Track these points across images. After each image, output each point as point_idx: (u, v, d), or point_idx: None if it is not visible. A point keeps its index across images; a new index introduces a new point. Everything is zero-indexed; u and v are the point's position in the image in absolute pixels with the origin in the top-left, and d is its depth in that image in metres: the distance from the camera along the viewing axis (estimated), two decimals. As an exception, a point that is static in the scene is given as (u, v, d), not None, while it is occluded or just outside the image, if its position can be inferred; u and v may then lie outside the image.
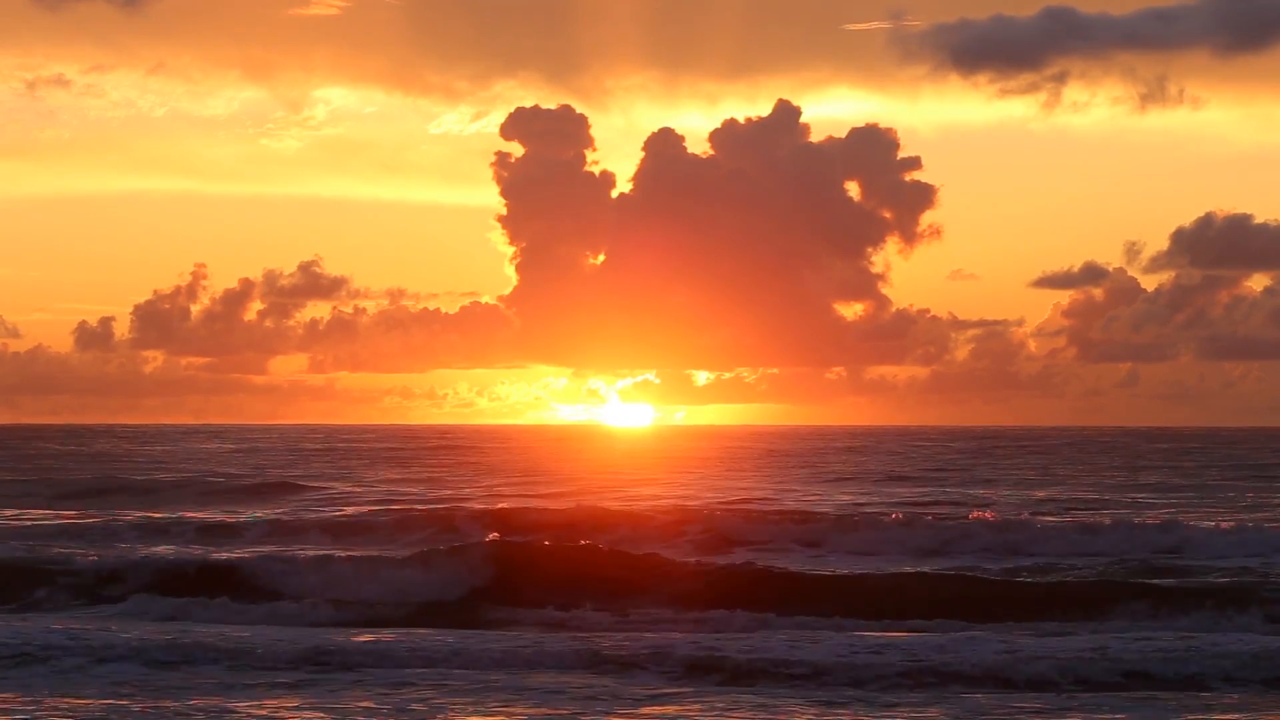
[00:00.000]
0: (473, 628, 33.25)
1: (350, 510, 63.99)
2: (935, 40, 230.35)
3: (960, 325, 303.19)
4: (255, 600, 37.45)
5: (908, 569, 43.63)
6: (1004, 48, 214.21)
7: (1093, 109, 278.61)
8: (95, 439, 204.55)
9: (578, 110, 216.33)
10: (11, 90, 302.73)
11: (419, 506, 65.09)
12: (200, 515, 60.25)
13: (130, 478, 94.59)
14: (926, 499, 75.36)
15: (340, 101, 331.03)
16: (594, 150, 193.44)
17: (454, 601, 38.08)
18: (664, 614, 35.78)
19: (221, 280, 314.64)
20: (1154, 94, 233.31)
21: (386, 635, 30.91)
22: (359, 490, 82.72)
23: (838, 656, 28.08)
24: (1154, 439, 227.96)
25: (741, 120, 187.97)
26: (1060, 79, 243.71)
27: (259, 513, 61.77)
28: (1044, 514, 63.05)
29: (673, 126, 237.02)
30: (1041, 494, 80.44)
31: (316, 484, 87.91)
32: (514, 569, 40.08)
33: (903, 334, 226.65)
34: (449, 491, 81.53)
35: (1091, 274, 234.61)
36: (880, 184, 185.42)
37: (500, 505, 64.87)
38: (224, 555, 44.86)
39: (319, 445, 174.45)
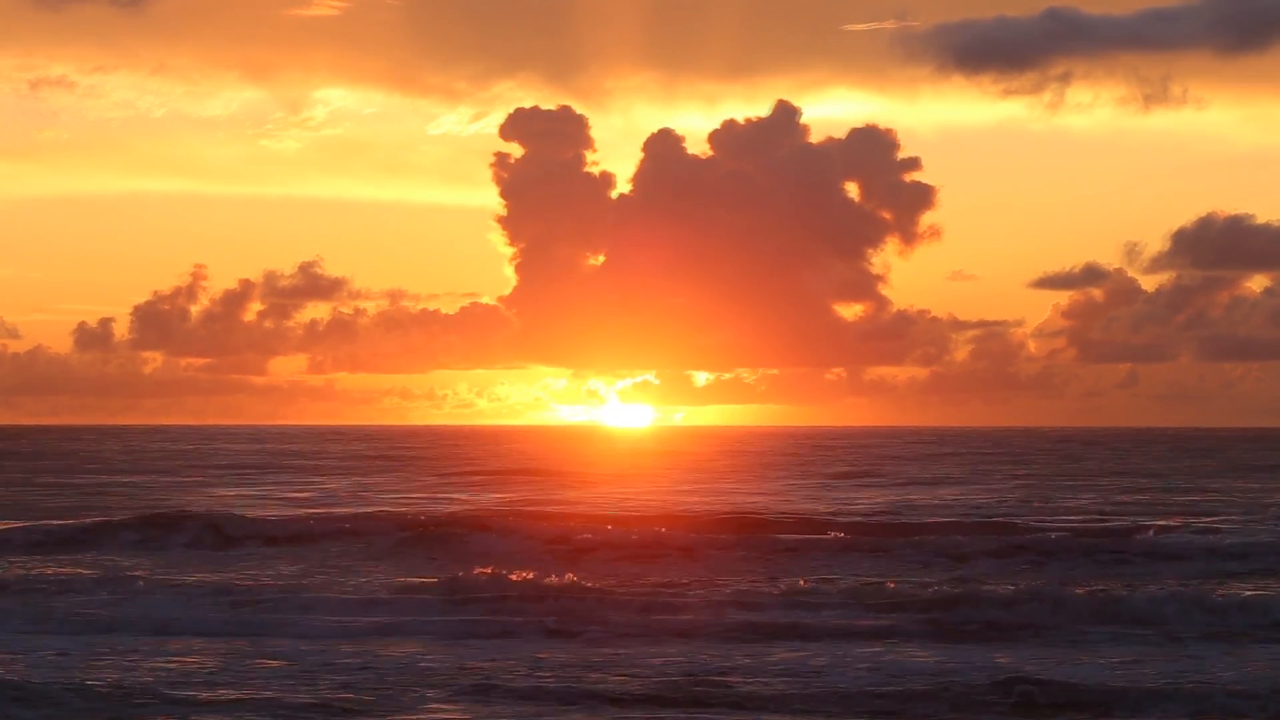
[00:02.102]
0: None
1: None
2: (935, 41, 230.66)
3: (960, 326, 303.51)
4: None
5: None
6: (1004, 48, 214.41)
7: (1092, 110, 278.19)
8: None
9: (577, 111, 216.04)
10: (12, 91, 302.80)
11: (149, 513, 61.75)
12: None
13: None
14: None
15: (340, 102, 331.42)
16: (594, 151, 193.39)
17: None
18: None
19: (221, 281, 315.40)
20: (1155, 95, 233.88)
21: None
22: (164, 495, 79.61)
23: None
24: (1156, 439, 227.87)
25: (741, 121, 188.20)
26: (1062, 79, 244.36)
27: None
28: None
29: (673, 127, 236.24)
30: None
31: (137, 487, 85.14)
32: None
33: (902, 335, 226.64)
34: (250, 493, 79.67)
35: (1091, 275, 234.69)
36: (880, 184, 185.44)
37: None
38: None
39: (248, 447, 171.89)
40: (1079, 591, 37.24)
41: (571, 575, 39.52)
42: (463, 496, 79.44)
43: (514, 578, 38.62)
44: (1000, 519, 60.64)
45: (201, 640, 31.46)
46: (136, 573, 42.80)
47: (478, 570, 39.97)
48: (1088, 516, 64.02)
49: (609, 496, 78.39)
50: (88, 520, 57.57)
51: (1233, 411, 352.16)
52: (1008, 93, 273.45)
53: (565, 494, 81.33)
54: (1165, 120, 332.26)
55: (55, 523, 57.07)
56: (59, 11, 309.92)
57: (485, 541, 50.79)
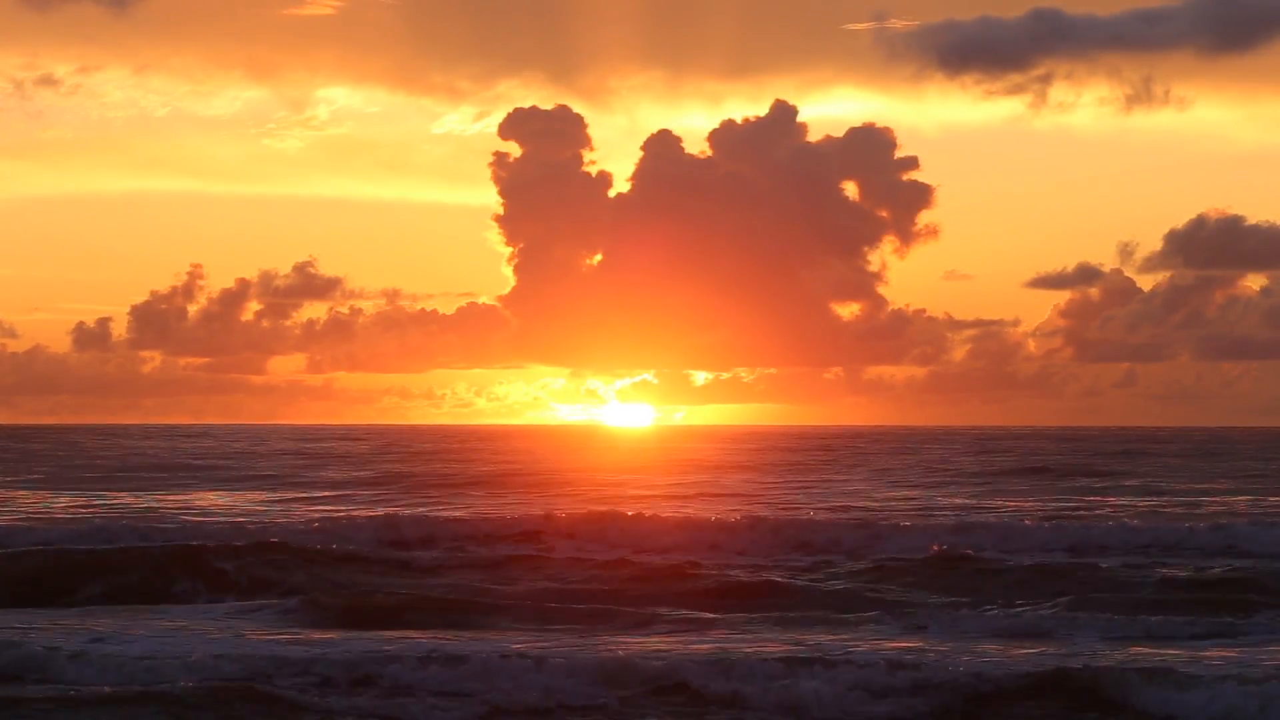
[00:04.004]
0: None
1: None
2: (936, 40, 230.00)
3: (956, 325, 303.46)
4: None
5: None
6: (1002, 48, 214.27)
7: (1088, 110, 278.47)
8: None
9: (582, 110, 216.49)
10: (13, 90, 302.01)
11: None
12: None
13: None
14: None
15: (343, 101, 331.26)
16: (591, 150, 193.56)
17: None
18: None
19: (219, 280, 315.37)
20: (1157, 95, 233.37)
21: None
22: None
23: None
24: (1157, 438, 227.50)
25: (739, 121, 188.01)
26: (1064, 79, 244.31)
27: None
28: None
29: (677, 126, 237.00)
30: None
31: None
32: None
33: (899, 334, 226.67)
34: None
35: (1086, 274, 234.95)
36: (877, 184, 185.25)
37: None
38: None
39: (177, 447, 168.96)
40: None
41: None
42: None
43: None
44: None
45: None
46: None
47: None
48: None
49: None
50: None
51: (1232, 411, 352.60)
52: (1006, 92, 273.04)
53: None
54: (1161, 120, 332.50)
55: None
56: (60, 11, 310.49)
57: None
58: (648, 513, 55.78)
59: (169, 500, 73.97)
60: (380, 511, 60.39)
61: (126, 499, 74.87)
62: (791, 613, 34.54)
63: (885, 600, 37.14)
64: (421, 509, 64.63)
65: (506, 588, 38.87)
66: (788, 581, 40.08)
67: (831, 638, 30.49)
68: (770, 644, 29.56)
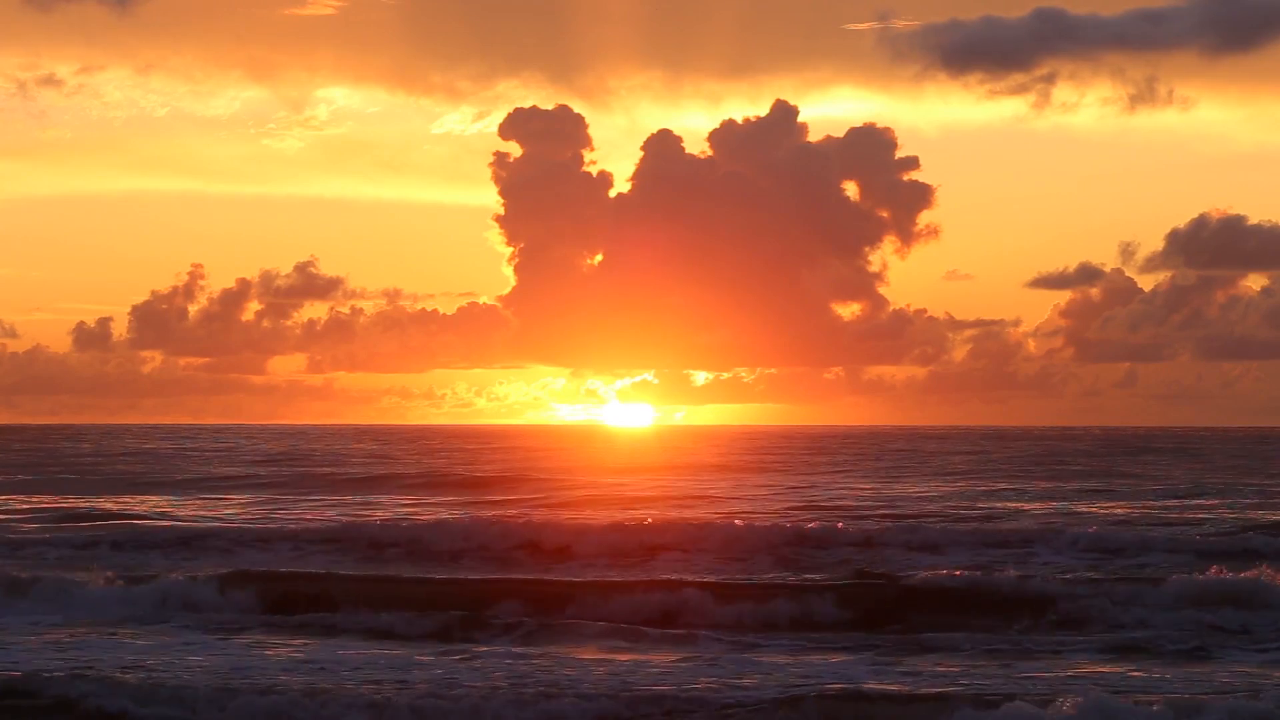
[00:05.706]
0: None
1: None
2: (940, 40, 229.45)
3: (957, 325, 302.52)
4: None
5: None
6: (1003, 48, 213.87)
7: (1088, 110, 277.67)
8: None
9: (582, 110, 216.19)
10: (14, 90, 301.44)
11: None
12: None
13: None
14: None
15: (343, 101, 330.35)
16: (592, 150, 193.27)
17: None
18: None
19: (220, 280, 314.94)
20: (1160, 96, 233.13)
21: None
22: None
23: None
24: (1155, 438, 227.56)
25: (740, 120, 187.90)
26: (1067, 79, 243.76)
27: None
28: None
29: (677, 126, 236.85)
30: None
31: None
32: None
33: (900, 334, 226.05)
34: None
35: (1087, 274, 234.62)
36: (878, 184, 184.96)
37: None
38: None
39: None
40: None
41: None
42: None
43: None
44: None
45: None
46: None
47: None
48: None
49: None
50: None
51: (1232, 410, 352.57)
52: (1009, 92, 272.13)
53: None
54: (1164, 120, 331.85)
55: None
56: (62, 11, 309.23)
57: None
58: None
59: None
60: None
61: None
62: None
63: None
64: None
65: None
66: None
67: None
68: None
